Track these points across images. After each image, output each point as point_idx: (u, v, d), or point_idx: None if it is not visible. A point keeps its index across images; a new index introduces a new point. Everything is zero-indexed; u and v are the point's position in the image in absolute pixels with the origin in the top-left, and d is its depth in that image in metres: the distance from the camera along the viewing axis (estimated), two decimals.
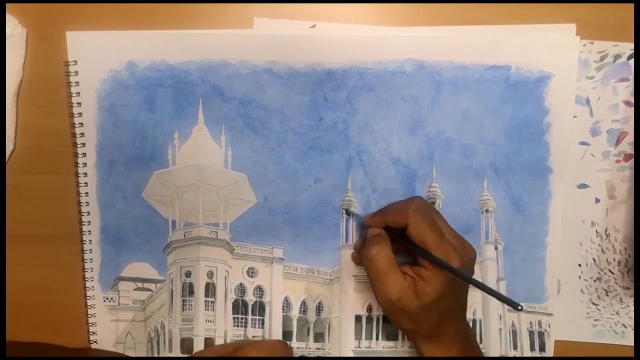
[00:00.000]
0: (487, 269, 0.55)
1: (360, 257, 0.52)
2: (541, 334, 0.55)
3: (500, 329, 0.56)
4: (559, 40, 0.52)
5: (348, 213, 0.54)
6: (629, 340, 0.55)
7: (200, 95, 0.53)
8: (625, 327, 0.56)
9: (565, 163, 0.53)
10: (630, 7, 0.52)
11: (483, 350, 0.55)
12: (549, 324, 0.55)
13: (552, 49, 0.52)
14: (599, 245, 0.55)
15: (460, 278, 0.45)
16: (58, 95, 0.53)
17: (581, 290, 0.56)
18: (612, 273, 0.55)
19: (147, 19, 0.53)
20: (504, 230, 0.54)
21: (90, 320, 0.55)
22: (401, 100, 0.53)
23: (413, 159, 0.54)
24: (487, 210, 0.54)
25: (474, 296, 0.55)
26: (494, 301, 0.55)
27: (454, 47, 0.52)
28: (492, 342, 0.56)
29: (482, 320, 0.56)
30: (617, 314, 0.56)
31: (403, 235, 0.48)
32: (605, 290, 0.55)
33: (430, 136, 0.54)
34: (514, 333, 0.56)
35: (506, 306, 0.55)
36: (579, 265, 0.55)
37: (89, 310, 0.55)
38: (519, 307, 0.41)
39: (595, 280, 0.55)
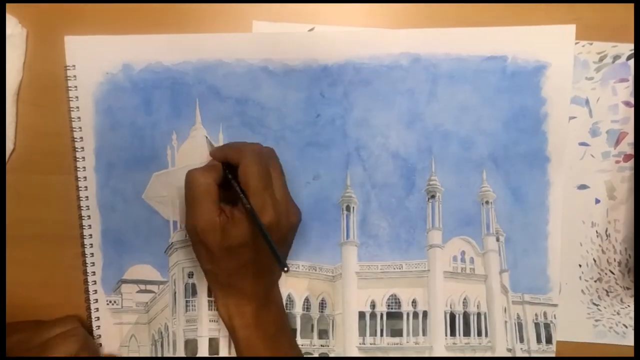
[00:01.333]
0: (490, 261, 0.55)
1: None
2: (547, 326, 0.55)
3: (506, 322, 0.55)
4: (554, 30, 0.52)
5: (348, 209, 0.54)
6: (630, 341, 0.55)
7: (197, 95, 0.53)
8: (626, 328, 0.55)
9: (562, 152, 0.53)
10: (629, 7, 0.52)
11: (489, 344, 0.55)
12: (554, 315, 0.55)
13: (548, 38, 0.52)
14: (600, 245, 0.55)
15: (256, 226, 0.44)
16: (58, 95, 0.54)
17: (582, 290, 0.55)
18: (613, 273, 0.55)
19: (147, 23, 0.53)
20: (504, 221, 0.54)
21: (95, 323, 0.55)
22: (398, 94, 0.53)
23: (412, 152, 0.54)
24: (487, 202, 0.54)
25: (478, 289, 0.55)
26: (497, 293, 0.55)
27: (449, 40, 0.52)
28: (497, 335, 0.55)
29: (487, 313, 0.55)
30: (618, 314, 0.55)
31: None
32: (606, 291, 0.55)
33: (429, 129, 0.54)
34: (520, 325, 0.55)
35: (510, 298, 0.55)
36: (580, 265, 0.55)
37: (92, 313, 0.55)
38: (285, 269, 0.41)
39: (595, 281, 0.55)
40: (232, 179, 0.47)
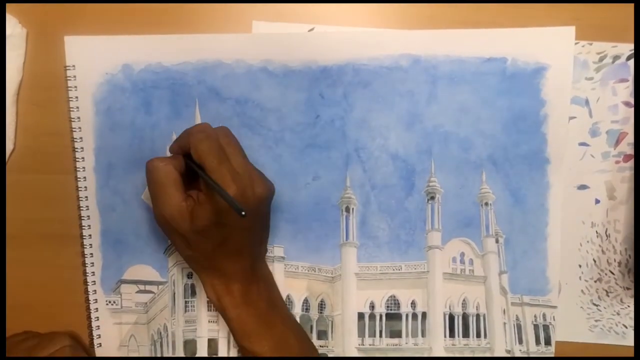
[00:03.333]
0: (489, 263, 0.55)
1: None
2: (546, 327, 0.55)
3: (505, 323, 0.55)
4: (554, 31, 0.52)
5: (347, 210, 0.54)
6: (630, 341, 0.55)
7: (197, 96, 0.53)
8: (626, 328, 0.55)
9: (562, 154, 0.53)
10: (629, 8, 0.52)
11: (487, 346, 0.55)
12: (553, 317, 0.55)
13: (548, 40, 0.52)
14: (599, 246, 0.55)
15: (216, 191, 0.43)
16: (58, 95, 0.54)
17: (582, 291, 0.55)
18: (613, 274, 0.55)
19: (146, 23, 0.53)
20: (504, 222, 0.54)
21: (94, 323, 0.55)
22: (398, 95, 0.53)
23: (411, 153, 0.54)
24: (486, 203, 0.54)
25: (477, 291, 0.55)
26: (496, 295, 0.55)
27: (449, 41, 0.52)
28: (496, 337, 0.55)
29: (486, 314, 0.55)
30: (618, 314, 0.55)
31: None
32: (606, 291, 0.55)
33: (428, 130, 0.54)
34: (519, 327, 0.55)
35: (509, 299, 0.55)
36: (579, 266, 0.55)
37: (92, 313, 0.55)
38: (242, 213, 0.40)
39: (595, 281, 0.55)
40: (193, 165, 0.46)
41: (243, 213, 0.40)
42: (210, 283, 0.49)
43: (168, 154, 0.53)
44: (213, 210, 0.44)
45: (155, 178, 0.45)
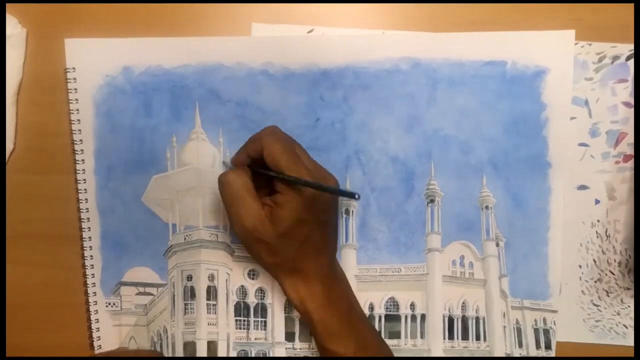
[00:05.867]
0: (489, 266, 0.55)
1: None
2: (546, 332, 0.55)
3: (505, 327, 0.55)
4: (554, 35, 0.52)
5: (347, 212, 0.54)
6: (630, 341, 0.55)
7: (197, 98, 0.53)
8: (627, 328, 0.55)
9: (563, 158, 0.53)
10: (629, 8, 0.52)
11: (487, 349, 0.55)
12: (554, 321, 0.55)
13: (548, 44, 0.52)
14: (600, 246, 0.55)
15: (308, 186, 0.43)
16: (58, 95, 0.54)
17: (582, 291, 0.55)
18: (613, 274, 0.55)
19: (146, 25, 0.53)
20: (504, 226, 0.54)
21: (94, 325, 0.55)
22: (398, 98, 0.53)
23: (411, 156, 0.54)
24: (487, 207, 0.54)
25: (477, 293, 0.55)
26: (496, 298, 0.55)
27: (449, 44, 0.52)
28: (496, 340, 0.55)
29: (486, 317, 0.55)
30: (618, 314, 0.55)
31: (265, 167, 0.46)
32: (606, 291, 0.55)
33: (428, 133, 0.53)
34: (519, 331, 0.55)
35: (510, 303, 0.55)
36: (580, 266, 0.55)
37: (91, 315, 0.55)
38: (356, 196, 0.41)
39: (595, 281, 0.55)
40: (264, 170, 0.46)
41: (357, 196, 0.41)
42: (293, 288, 0.48)
43: (174, 159, 0.54)
44: (293, 210, 0.44)
45: (231, 191, 0.46)
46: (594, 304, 0.55)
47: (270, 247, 0.46)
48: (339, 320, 0.48)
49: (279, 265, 0.48)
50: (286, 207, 0.45)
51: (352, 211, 0.54)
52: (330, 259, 0.50)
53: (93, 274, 0.55)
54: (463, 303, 0.55)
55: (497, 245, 0.54)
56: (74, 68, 0.53)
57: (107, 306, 0.55)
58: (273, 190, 0.47)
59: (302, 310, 0.49)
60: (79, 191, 0.54)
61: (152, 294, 0.56)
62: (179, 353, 0.55)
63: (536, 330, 0.55)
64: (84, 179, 0.54)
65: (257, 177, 0.47)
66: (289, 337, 0.56)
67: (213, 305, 0.55)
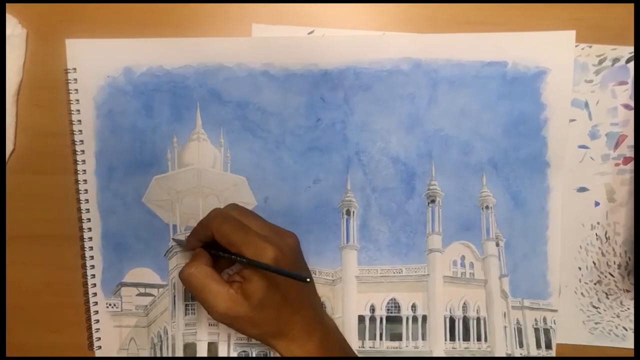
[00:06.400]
0: (489, 266, 0.55)
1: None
2: (547, 331, 0.55)
3: (505, 327, 0.55)
4: (554, 36, 0.52)
5: (348, 213, 0.54)
6: (630, 344, 0.55)
7: (198, 99, 0.53)
8: (626, 330, 0.55)
9: (562, 158, 0.53)
10: (629, 10, 0.52)
11: (488, 350, 0.55)
12: (554, 321, 0.55)
13: (548, 44, 0.52)
14: (599, 248, 0.55)
15: (265, 269, 0.44)
16: (58, 95, 0.54)
17: (582, 293, 0.55)
18: (613, 276, 0.55)
19: (146, 25, 0.53)
20: (504, 226, 0.54)
21: (94, 326, 0.55)
22: (398, 99, 0.53)
23: (412, 157, 0.54)
24: (487, 207, 0.54)
25: (477, 294, 0.55)
26: (497, 298, 0.55)
27: (450, 45, 0.53)
28: (497, 341, 0.55)
29: (487, 318, 0.55)
30: (618, 316, 0.55)
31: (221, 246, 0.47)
32: (606, 293, 0.55)
33: (429, 134, 0.54)
34: (519, 330, 0.55)
35: (510, 303, 0.55)
36: (579, 268, 0.55)
37: (92, 316, 0.55)
38: (307, 280, 0.42)
39: (595, 284, 0.55)
40: (218, 252, 0.47)
41: (308, 280, 0.42)
42: (287, 350, 0.48)
43: (175, 159, 0.54)
44: (261, 280, 0.45)
45: (194, 284, 0.46)
46: (594, 306, 0.55)
47: (251, 320, 0.46)
48: None
49: (265, 334, 0.48)
50: (253, 279, 0.45)
51: (353, 212, 0.54)
52: (314, 312, 0.49)
53: (93, 275, 0.55)
54: (464, 304, 0.55)
55: (497, 245, 0.54)
56: (74, 68, 0.53)
57: (107, 307, 0.55)
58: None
59: None
60: (80, 191, 0.54)
61: (152, 295, 0.56)
62: (180, 354, 0.55)
63: (536, 330, 0.55)
64: (85, 180, 0.54)
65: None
66: None
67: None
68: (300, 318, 0.47)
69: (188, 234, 0.50)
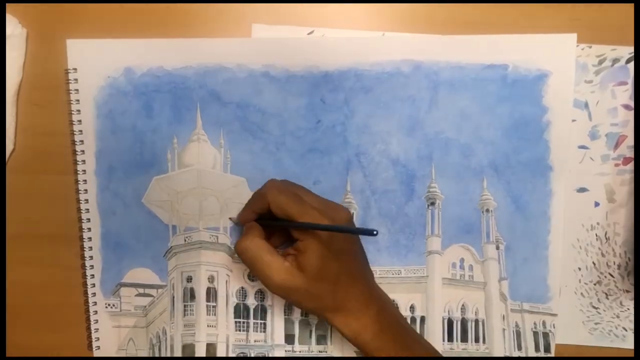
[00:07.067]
0: (489, 269, 0.55)
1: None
2: (546, 335, 0.55)
3: (504, 330, 0.55)
4: (555, 38, 0.52)
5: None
6: (630, 344, 0.55)
7: (198, 100, 0.53)
8: (626, 331, 0.55)
9: (565, 161, 0.53)
10: (629, 10, 0.52)
11: (486, 351, 0.55)
12: (553, 325, 0.55)
13: (549, 47, 0.52)
14: (599, 248, 0.55)
15: (322, 229, 0.45)
16: (58, 95, 0.54)
17: (581, 293, 0.55)
18: (612, 276, 0.55)
19: (146, 26, 0.53)
20: (505, 229, 0.54)
21: (93, 326, 0.55)
22: (399, 101, 0.53)
23: (412, 159, 0.54)
24: (487, 210, 0.54)
25: (477, 296, 0.55)
26: (496, 301, 0.55)
27: (450, 47, 0.53)
28: (495, 343, 0.55)
29: (485, 320, 0.55)
30: (618, 317, 0.55)
31: (274, 219, 0.48)
32: (606, 294, 0.55)
33: (429, 136, 0.54)
34: (518, 333, 0.55)
35: (509, 306, 0.55)
36: (579, 268, 0.55)
37: (91, 316, 0.55)
38: (374, 232, 0.42)
39: (595, 284, 0.55)
40: (275, 222, 0.48)
41: (375, 232, 0.42)
42: (345, 323, 0.48)
43: (175, 160, 0.54)
44: (316, 251, 0.45)
45: (250, 256, 0.47)
46: (594, 307, 0.55)
47: (307, 293, 0.46)
48: (395, 345, 0.48)
49: (322, 308, 0.48)
50: (308, 251, 0.45)
51: (353, 213, 0.54)
52: (369, 285, 0.50)
53: (93, 275, 0.55)
54: (462, 306, 0.55)
55: (497, 248, 0.54)
56: (75, 69, 0.53)
57: (106, 307, 0.55)
58: (290, 236, 0.48)
59: (358, 343, 0.48)
60: (80, 192, 0.54)
61: (151, 296, 0.56)
62: (178, 355, 0.55)
63: (535, 334, 0.55)
64: (85, 180, 0.54)
65: (270, 227, 0.49)
66: (289, 339, 0.56)
67: (213, 306, 0.55)
68: (356, 291, 0.47)
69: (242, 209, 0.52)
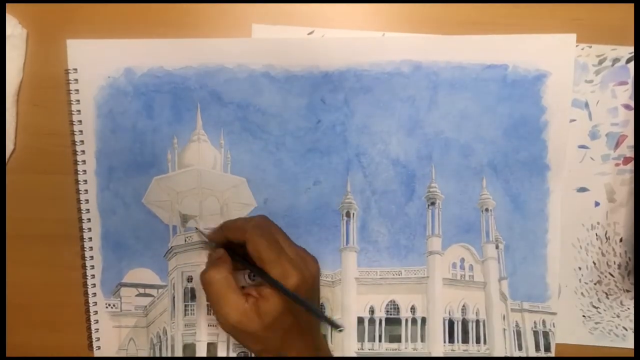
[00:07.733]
0: (489, 269, 0.55)
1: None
2: (546, 334, 0.55)
3: (504, 329, 0.55)
4: (555, 39, 0.52)
5: (348, 215, 0.54)
6: (630, 343, 0.55)
7: (198, 100, 0.53)
8: (626, 330, 0.55)
9: (562, 160, 0.53)
10: (629, 10, 0.52)
11: (487, 352, 0.55)
12: (553, 324, 0.55)
13: (549, 48, 0.52)
14: (599, 248, 0.55)
15: (290, 298, 0.45)
16: (58, 95, 0.54)
17: (582, 293, 0.55)
18: (613, 276, 0.55)
19: (147, 26, 0.53)
20: (504, 228, 0.54)
21: (93, 326, 0.55)
22: (399, 101, 0.53)
23: (412, 159, 0.54)
24: (487, 209, 0.54)
25: (477, 296, 0.55)
26: (496, 301, 0.55)
27: (450, 47, 0.53)
28: (496, 343, 0.55)
29: (486, 320, 0.55)
30: (618, 316, 0.55)
31: (245, 253, 0.47)
32: (606, 293, 0.55)
33: (429, 136, 0.54)
34: (518, 333, 0.55)
35: (509, 305, 0.55)
36: (579, 268, 0.55)
37: (91, 316, 0.55)
38: (339, 329, 0.43)
39: (595, 284, 0.55)
40: (246, 262, 0.47)
41: (340, 329, 0.43)
42: None
43: (175, 160, 0.53)
44: (279, 302, 0.45)
45: (214, 291, 0.46)
46: (594, 306, 0.55)
47: (256, 337, 0.46)
48: None
49: (266, 352, 0.47)
50: (271, 300, 0.45)
51: (353, 214, 0.54)
52: (315, 338, 0.50)
53: (93, 275, 0.55)
54: (463, 306, 0.55)
55: (497, 247, 0.54)
56: (75, 69, 0.53)
57: (107, 307, 0.55)
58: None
59: None
60: (80, 192, 0.54)
61: (152, 296, 0.56)
62: (179, 355, 0.55)
63: (535, 333, 0.55)
64: (85, 180, 0.54)
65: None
66: None
67: None
68: (301, 343, 0.47)
69: (214, 228, 0.51)
